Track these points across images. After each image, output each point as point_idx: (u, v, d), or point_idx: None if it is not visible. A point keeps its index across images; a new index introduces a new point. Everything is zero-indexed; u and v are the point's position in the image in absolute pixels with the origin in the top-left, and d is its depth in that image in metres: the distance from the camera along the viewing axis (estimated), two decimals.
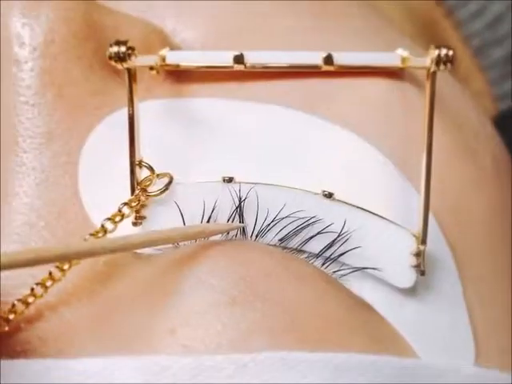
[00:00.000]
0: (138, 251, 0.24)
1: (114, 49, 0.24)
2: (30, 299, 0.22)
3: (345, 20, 0.30)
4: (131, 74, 0.24)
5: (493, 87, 0.46)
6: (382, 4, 0.43)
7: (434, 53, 0.23)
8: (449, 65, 0.23)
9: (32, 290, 0.23)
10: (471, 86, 0.46)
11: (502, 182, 0.29)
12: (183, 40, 0.29)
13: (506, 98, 0.46)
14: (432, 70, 0.23)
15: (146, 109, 0.26)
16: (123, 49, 0.24)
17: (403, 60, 0.27)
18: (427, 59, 0.24)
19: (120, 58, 0.24)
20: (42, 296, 0.23)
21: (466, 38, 0.45)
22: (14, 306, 0.22)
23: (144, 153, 0.25)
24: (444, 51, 0.23)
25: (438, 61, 0.23)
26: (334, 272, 0.24)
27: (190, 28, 0.29)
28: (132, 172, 0.24)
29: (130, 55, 0.24)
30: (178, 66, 0.27)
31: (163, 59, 0.27)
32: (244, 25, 0.29)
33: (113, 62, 0.24)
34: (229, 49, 0.28)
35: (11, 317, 0.22)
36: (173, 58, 0.27)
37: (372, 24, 0.32)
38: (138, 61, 0.25)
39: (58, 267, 0.23)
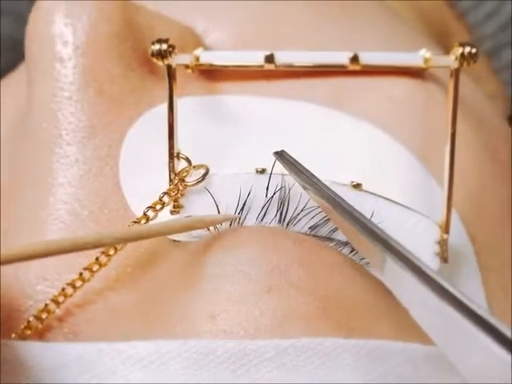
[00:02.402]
0: (177, 238, 0.26)
1: (156, 46, 0.25)
2: (78, 283, 0.24)
3: (369, 21, 0.32)
4: (171, 71, 0.25)
5: (506, 89, 0.47)
6: (397, 6, 0.44)
7: (458, 50, 0.25)
8: (472, 62, 0.24)
9: (80, 274, 0.24)
10: (484, 88, 0.47)
11: None
12: (213, 41, 0.30)
13: None
14: (456, 66, 0.25)
15: (181, 105, 0.27)
16: (164, 46, 0.25)
17: (426, 60, 0.28)
18: (451, 56, 0.25)
19: (161, 55, 0.25)
20: (89, 280, 0.24)
21: (479, 41, 0.46)
22: (63, 289, 0.24)
23: (180, 146, 0.26)
24: (468, 49, 0.24)
25: (462, 58, 0.24)
26: (361, 259, 0.25)
27: (220, 29, 0.30)
28: (171, 163, 0.26)
29: (170, 53, 0.25)
30: (211, 65, 0.28)
31: (197, 58, 0.28)
32: (272, 26, 0.30)
33: (154, 59, 0.25)
34: (257, 48, 0.29)
35: (60, 299, 0.24)
36: (206, 57, 0.28)
37: (395, 26, 0.33)
38: (176, 59, 0.26)
39: (103, 253, 0.24)
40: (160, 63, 0.25)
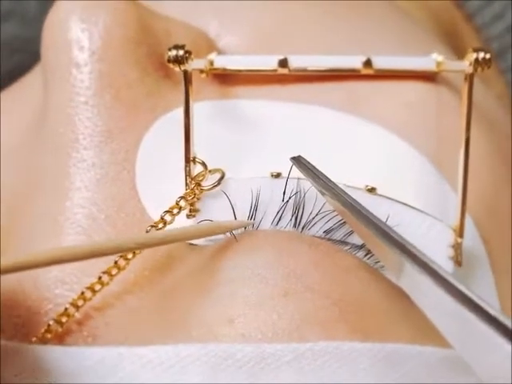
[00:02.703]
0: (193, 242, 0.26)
1: (173, 52, 0.25)
2: (97, 287, 0.24)
3: (381, 22, 0.32)
4: (187, 76, 0.25)
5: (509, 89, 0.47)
6: (407, 6, 0.44)
7: (473, 56, 0.25)
8: (486, 67, 0.25)
9: (99, 278, 0.24)
10: (491, 89, 0.48)
11: None
12: (226, 44, 0.30)
13: None
14: (470, 72, 0.25)
15: (196, 109, 0.27)
16: (181, 52, 0.25)
17: (438, 64, 0.28)
18: (465, 62, 0.25)
19: (178, 61, 0.25)
20: (108, 284, 0.24)
21: (486, 42, 0.46)
22: (82, 293, 0.24)
23: (196, 150, 0.27)
24: (482, 54, 0.25)
25: (476, 63, 0.25)
26: (376, 263, 0.26)
27: (233, 33, 0.30)
28: (187, 168, 0.26)
29: (187, 58, 0.25)
30: (225, 69, 0.28)
31: (211, 63, 0.28)
32: (284, 29, 0.31)
33: (171, 65, 0.26)
34: (270, 52, 0.29)
35: (80, 303, 0.24)
36: (220, 61, 0.28)
37: (407, 28, 0.33)
38: (192, 64, 0.26)
39: (122, 256, 0.24)
40: (177, 69, 0.26)
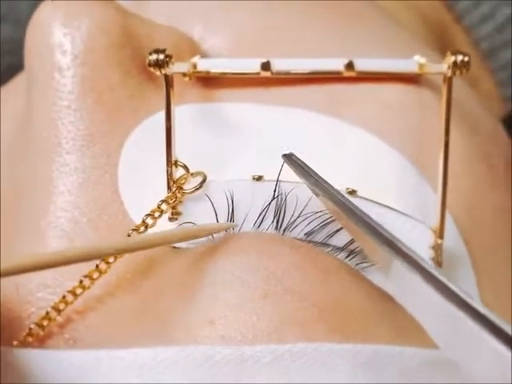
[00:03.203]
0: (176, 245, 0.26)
1: (154, 56, 0.25)
2: (79, 291, 0.24)
3: (365, 26, 0.32)
4: (168, 80, 0.26)
5: (501, 89, 0.48)
6: (396, 9, 0.44)
7: (451, 59, 0.25)
8: (464, 70, 0.25)
9: (81, 281, 0.24)
10: (481, 88, 0.48)
11: None
12: (211, 46, 0.30)
13: None
14: (449, 75, 0.25)
15: (178, 112, 0.27)
16: (161, 56, 0.25)
17: (420, 66, 0.28)
18: (444, 65, 0.25)
19: (158, 65, 0.25)
20: (89, 288, 0.24)
21: (476, 42, 0.46)
22: (64, 297, 0.24)
23: (178, 153, 0.27)
24: (460, 57, 0.25)
25: (455, 66, 0.25)
26: (357, 264, 0.26)
27: (217, 35, 0.31)
28: (169, 171, 0.26)
29: (167, 62, 0.25)
30: (208, 72, 0.29)
31: (194, 66, 0.28)
32: (268, 31, 0.31)
33: (151, 69, 0.26)
34: (254, 55, 0.29)
35: (61, 307, 0.24)
36: (203, 65, 0.29)
37: (391, 30, 0.33)
38: (173, 68, 0.26)
39: (103, 260, 0.24)
40: (157, 73, 0.26)
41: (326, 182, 0.25)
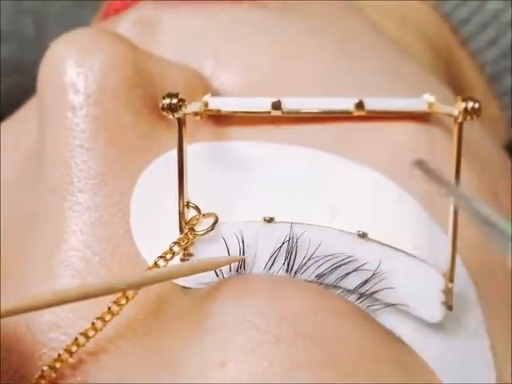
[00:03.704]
0: (186, 285, 0.26)
1: (167, 101, 0.26)
2: (91, 333, 0.24)
3: (376, 61, 0.32)
4: (181, 124, 0.26)
5: (506, 113, 0.48)
6: (402, 35, 0.45)
7: (462, 105, 0.25)
8: (475, 116, 0.25)
9: (93, 324, 0.24)
10: (487, 113, 0.48)
11: None
12: (222, 83, 0.31)
13: None
14: (460, 120, 0.25)
15: (190, 151, 0.28)
16: (174, 101, 0.26)
17: (430, 105, 0.29)
18: (455, 109, 0.25)
19: (171, 109, 0.26)
20: (101, 329, 0.24)
21: (482, 66, 0.47)
22: (76, 339, 0.24)
23: (190, 192, 0.27)
24: (471, 104, 0.25)
25: (465, 112, 0.25)
26: (367, 307, 0.26)
27: (228, 72, 0.31)
28: (181, 213, 0.26)
29: (180, 106, 0.26)
30: (219, 111, 0.29)
31: (206, 105, 0.29)
32: (279, 67, 0.31)
33: (165, 113, 0.26)
34: (265, 92, 0.30)
35: (73, 349, 0.24)
36: (215, 103, 0.29)
37: (400, 61, 0.33)
38: (185, 109, 0.27)
39: (115, 302, 0.25)
40: (170, 117, 0.26)
41: (461, 192, 0.24)
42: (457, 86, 0.47)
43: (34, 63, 0.30)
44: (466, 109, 0.25)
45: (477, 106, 0.25)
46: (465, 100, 0.25)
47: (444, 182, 0.25)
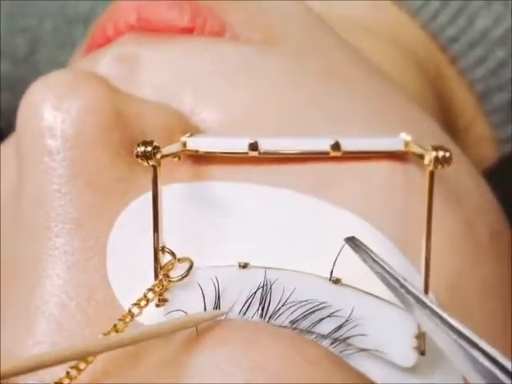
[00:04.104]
0: None
1: (141, 148, 0.26)
2: (66, 381, 0.25)
3: (358, 99, 0.32)
4: (156, 171, 0.26)
5: (495, 131, 0.48)
6: (389, 56, 0.45)
7: (432, 154, 0.25)
8: (446, 165, 0.25)
9: (67, 373, 0.25)
10: (475, 130, 0.48)
11: (499, 255, 0.31)
12: (202, 119, 0.31)
13: (508, 141, 0.49)
14: (430, 169, 0.25)
15: (167, 193, 0.28)
16: (149, 148, 0.26)
17: (406, 144, 0.29)
18: (426, 158, 0.26)
19: (146, 156, 0.26)
20: (76, 378, 0.25)
21: (471, 84, 0.47)
22: None
23: (166, 235, 0.27)
24: (441, 153, 0.25)
25: (436, 161, 0.25)
26: (341, 352, 0.26)
27: (208, 108, 0.31)
28: (155, 258, 0.26)
29: (155, 153, 0.26)
30: (197, 151, 0.29)
31: (184, 145, 0.29)
32: (258, 104, 0.31)
33: (139, 160, 0.26)
34: (246, 127, 0.30)
35: None
36: (193, 144, 0.29)
37: (385, 99, 0.33)
38: (163, 151, 0.27)
39: (74, 367, 0.25)
40: (145, 164, 0.26)
41: (391, 267, 0.25)
42: (446, 105, 0.47)
43: (27, 81, 0.30)
44: (436, 157, 0.25)
45: (447, 155, 0.25)
46: (435, 149, 0.25)
47: (374, 258, 0.26)
